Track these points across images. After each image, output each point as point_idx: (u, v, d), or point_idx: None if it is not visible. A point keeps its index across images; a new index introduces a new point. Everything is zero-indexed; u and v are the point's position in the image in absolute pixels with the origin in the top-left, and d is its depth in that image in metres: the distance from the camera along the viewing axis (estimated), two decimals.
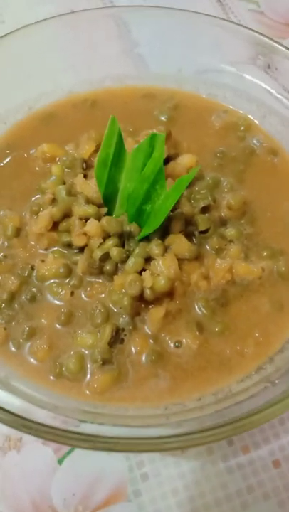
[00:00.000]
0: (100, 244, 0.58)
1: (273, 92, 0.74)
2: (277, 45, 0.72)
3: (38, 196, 0.66)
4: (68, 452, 0.58)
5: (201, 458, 0.58)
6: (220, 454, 0.59)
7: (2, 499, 0.56)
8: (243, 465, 0.58)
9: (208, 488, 0.57)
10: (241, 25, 0.77)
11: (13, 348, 0.57)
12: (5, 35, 0.73)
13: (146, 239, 0.59)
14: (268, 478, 0.58)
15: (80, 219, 0.60)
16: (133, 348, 0.57)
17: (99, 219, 0.59)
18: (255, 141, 0.73)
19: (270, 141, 0.73)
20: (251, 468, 0.58)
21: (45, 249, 0.62)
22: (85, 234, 0.59)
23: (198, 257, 0.60)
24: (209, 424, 0.44)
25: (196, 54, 0.78)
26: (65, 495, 0.56)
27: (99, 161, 0.60)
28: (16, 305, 0.59)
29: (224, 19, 0.79)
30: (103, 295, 0.59)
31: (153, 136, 0.58)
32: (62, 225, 0.61)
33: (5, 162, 0.71)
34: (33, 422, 0.44)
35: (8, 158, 0.71)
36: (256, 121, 0.75)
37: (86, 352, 0.56)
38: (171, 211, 0.60)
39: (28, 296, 0.59)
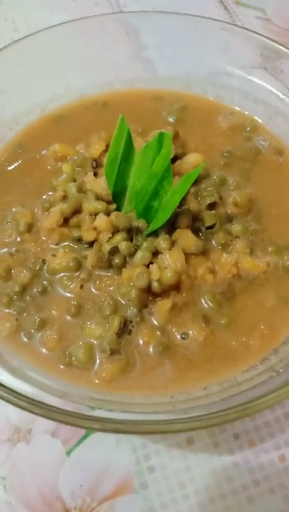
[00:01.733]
0: (109, 238, 0.60)
1: (279, 94, 0.75)
2: (283, 49, 0.74)
3: (50, 193, 0.68)
4: (76, 444, 0.59)
5: (207, 451, 0.59)
6: (226, 447, 0.59)
7: (11, 490, 0.57)
8: (248, 459, 0.58)
9: (213, 481, 0.57)
10: (248, 29, 0.79)
11: (24, 338, 0.59)
12: (18, 40, 0.76)
13: (154, 234, 0.61)
14: (273, 473, 0.58)
15: (90, 215, 0.62)
16: (140, 339, 0.58)
17: (108, 214, 0.61)
18: (261, 142, 0.74)
19: (275, 141, 0.74)
20: (257, 462, 0.58)
21: (56, 244, 0.64)
22: (94, 229, 0.60)
23: (204, 252, 0.61)
24: (214, 410, 0.45)
25: (203, 58, 0.80)
26: (73, 486, 0.57)
27: (108, 159, 0.61)
28: (27, 297, 0.61)
29: (230, 23, 0.80)
30: (112, 288, 0.61)
31: (161, 135, 0.60)
32: (73, 221, 0.63)
33: (18, 161, 0.73)
34: (45, 404, 0.46)
35: (20, 158, 0.73)
36: (262, 123, 0.76)
37: (95, 342, 0.58)
38: (178, 207, 0.62)
39: (39, 289, 0.61)
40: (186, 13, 0.87)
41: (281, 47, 0.74)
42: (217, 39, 0.79)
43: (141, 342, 0.58)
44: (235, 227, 0.64)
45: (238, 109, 0.78)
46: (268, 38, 0.76)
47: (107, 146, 0.67)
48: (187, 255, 0.59)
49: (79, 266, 0.62)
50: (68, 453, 0.59)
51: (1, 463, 0.58)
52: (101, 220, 0.59)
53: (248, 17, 1.04)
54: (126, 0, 1.05)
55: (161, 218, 0.59)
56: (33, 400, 0.47)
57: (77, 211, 0.63)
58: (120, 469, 0.58)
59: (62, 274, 0.62)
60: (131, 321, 0.59)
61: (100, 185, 0.63)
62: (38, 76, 0.78)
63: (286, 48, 0.74)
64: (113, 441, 0.59)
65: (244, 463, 0.58)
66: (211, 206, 0.64)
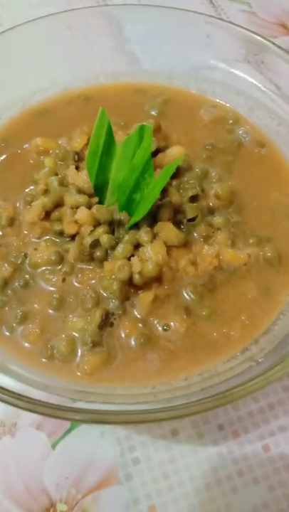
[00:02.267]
0: (91, 231, 0.60)
1: (261, 86, 0.75)
2: (266, 41, 0.74)
3: (32, 187, 0.68)
4: (62, 437, 0.59)
5: (191, 442, 0.59)
6: (210, 438, 0.59)
7: None
8: (233, 450, 0.59)
9: (198, 472, 0.58)
10: (231, 23, 0.79)
11: (6, 332, 0.59)
12: (1, 33, 0.75)
13: (136, 227, 0.61)
14: (257, 463, 0.58)
15: (72, 208, 0.62)
16: (122, 332, 0.58)
17: (90, 208, 0.61)
18: (243, 134, 0.75)
19: (257, 133, 0.74)
20: (241, 452, 0.59)
21: (38, 238, 0.64)
22: (76, 222, 0.61)
23: (186, 244, 0.62)
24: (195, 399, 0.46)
25: (187, 51, 0.80)
26: (58, 479, 0.57)
27: (90, 152, 0.61)
28: (9, 291, 0.61)
29: (214, 16, 0.80)
30: (94, 281, 0.61)
31: (142, 128, 0.60)
32: (55, 215, 0.63)
33: (0, 156, 0.73)
34: (28, 397, 0.46)
35: (3, 152, 0.73)
36: (244, 115, 0.76)
37: (77, 335, 0.58)
38: (160, 200, 0.62)
39: (21, 283, 0.61)
40: (170, 6, 0.87)
41: (263, 40, 0.74)
42: (201, 33, 0.79)
43: (123, 334, 0.58)
44: (217, 220, 0.64)
45: (220, 101, 0.78)
46: (251, 31, 0.76)
47: (89, 140, 0.66)
48: (169, 248, 0.60)
49: (61, 259, 0.62)
50: (53, 446, 0.59)
51: None
52: (82, 214, 0.59)
53: (233, 10, 1.04)
54: None
55: (142, 210, 0.59)
56: (16, 393, 0.48)
57: (58, 205, 0.63)
58: (105, 461, 0.58)
59: (44, 268, 0.62)
60: (113, 314, 0.59)
61: (82, 178, 0.63)
62: (21, 69, 0.77)
63: (268, 40, 0.74)
64: (98, 434, 0.59)
65: (228, 453, 0.59)
66: (193, 199, 0.65)
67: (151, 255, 0.57)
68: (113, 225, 0.62)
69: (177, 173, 0.66)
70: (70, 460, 0.58)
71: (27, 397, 0.47)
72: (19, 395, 0.48)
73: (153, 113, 0.77)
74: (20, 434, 0.60)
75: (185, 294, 0.60)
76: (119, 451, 0.59)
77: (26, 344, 0.58)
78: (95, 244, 0.60)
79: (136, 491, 0.57)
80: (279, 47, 0.73)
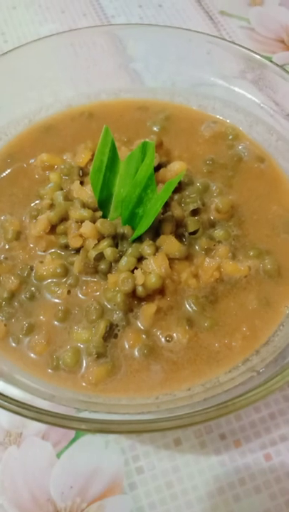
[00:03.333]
0: (95, 245, 0.61)
1: (260, 103, 0.77)
2: (262, 59, 0.76)
3: (37, 202, 0.70)
4: (66, 447, 0.60)
5: (194, 451, 0.60)
6: (212, 447, 0.60)
7: (2, 492, 0.58)
8: (235, 459, 0.60)
9: (201, 481, 0.59)
10: (230, 41, 0.81)
11: (13, 344, 0.60)
12: (7, 52, 0.78)
13: (139, 240, 0.62)
14: (259, 472, 0.59)
15: (77, 222, 0.63)
16: (126, 343, 0.59)
17: (94, 222, 0.62)
18: (242, 149, 0.76)
19: (257, 148, 0.76)
20: (243, 461, 0.60)
21: (44, 251, 0.65)
22: (80, 235, 0.62)
23: (188, 257, 0.63)
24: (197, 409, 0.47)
25: (188, 69, 0.82)
26: (63, 488, 0.58)
27: (94, 168, 0.63)
28: (15, 303, 0.62)
29: (214, 36, 0.83)
30: (98, 293, 0.62)
31: (144, 144, 0.62)
32: (60, 228, 0.65)
33: (6, 171, 0.75)
34: (35, 407, 0.47)
35: (9, 167, 0.75)
36: (244, 131, 0.78)
37: (82, 346, 0.59)
38: (162, 214, 0.64)
39: (28, 295, 0.62)
40: (172, 22, 0.90)
41: (261, 58, 0.76)
42: (201, 50, 0.81)
43: (126, 345, 0.59)
44: (218, 233, 0.66)
45: (220, 118, 0.80)
46: (249, 49, 0.78)
47: (93, 155, 0.68)
48: (171, 260, 0.61)
49: (66, 272, 0.63)
50: (58, 455, 0.60)
51: None
52: (86, 227, 0.61)
53: (233, 26, 1.06)
54: (113, 11, 1.07)
55: (145, 224, 0.60)
56: (22, 403, 0.49)
57: (64, 219, 0.65)
58: (110, 470, 0.59)
59: (49, 280, 0.63)
60: (117, 325, 0.60)
61: (86, 193, 0.65)
62: (27, 87, 0.80)
63: (266, 58, 0.76)
64: (102, 444, 0.60)
65: (230, 462, 0.60)
66: (194, 212, 0.66)
67: (154, 268, 0.59)
68: (117, 239, 0.63)
69: (179, 188, 0.68)
70: (75, 469, 0.59)
71: (33, 407, 0.49)
72: (26, 404, 0.49)
73: (155, 129, 0.78)
74: (26, 443, 0.61)
75: (187, 306, 0.62)
76: (124, 461, 0.59)
77: (32, 355, 0.59)
78: (99, 257, 0.61)
79: (140, 499, 0.58)
80: (276, 64, 0.75)
